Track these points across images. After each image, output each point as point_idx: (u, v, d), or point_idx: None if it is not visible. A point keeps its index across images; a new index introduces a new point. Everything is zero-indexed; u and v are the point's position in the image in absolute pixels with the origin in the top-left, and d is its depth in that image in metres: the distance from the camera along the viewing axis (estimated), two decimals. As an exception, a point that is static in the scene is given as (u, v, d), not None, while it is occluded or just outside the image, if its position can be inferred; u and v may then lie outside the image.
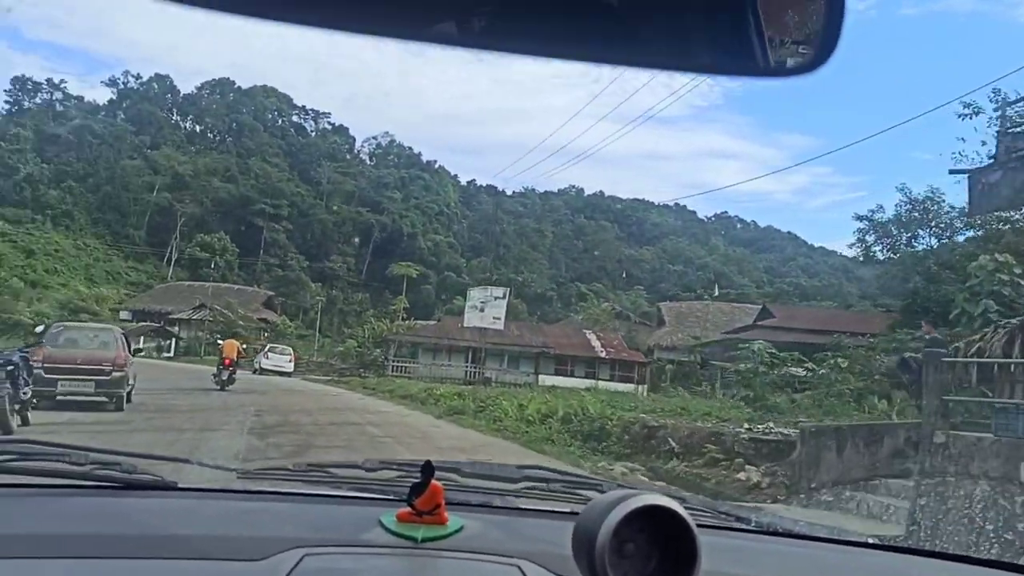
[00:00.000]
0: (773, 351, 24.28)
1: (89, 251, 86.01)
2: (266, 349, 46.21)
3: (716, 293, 76.08)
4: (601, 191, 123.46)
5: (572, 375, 45.22)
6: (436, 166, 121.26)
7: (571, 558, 1.15)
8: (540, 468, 2.04)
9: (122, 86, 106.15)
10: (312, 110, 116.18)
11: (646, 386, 41.26)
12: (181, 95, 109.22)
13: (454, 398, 26.81)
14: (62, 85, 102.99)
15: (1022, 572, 1.77)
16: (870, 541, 2.01)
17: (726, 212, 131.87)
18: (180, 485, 1.74)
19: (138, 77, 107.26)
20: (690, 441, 15.77)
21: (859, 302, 48.47)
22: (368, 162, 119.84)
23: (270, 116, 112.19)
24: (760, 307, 49.57)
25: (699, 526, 1.14)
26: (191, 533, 1.46)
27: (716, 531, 1.66)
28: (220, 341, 31.54)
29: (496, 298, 45.28)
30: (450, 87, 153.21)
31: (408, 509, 1.48)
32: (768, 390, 21.47)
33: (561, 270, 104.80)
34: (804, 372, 22.80)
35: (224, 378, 25.97)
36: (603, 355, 48.99)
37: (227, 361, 26.17)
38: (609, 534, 1.08)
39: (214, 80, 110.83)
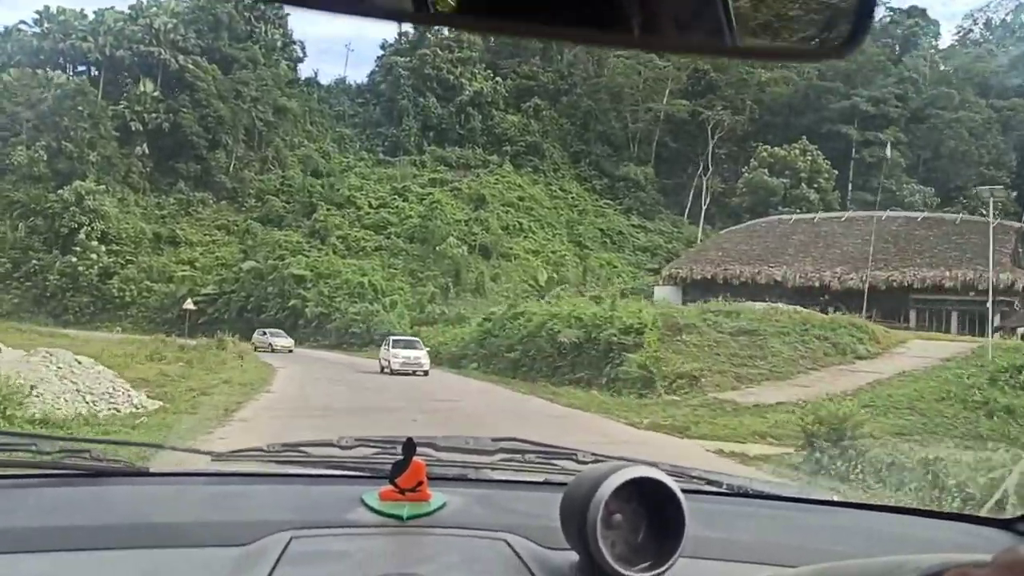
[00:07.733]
0: None
1: (570, 200, 52.83)
2: None
3: None
4: None
5: None
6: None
7: (557, 530, 1.19)
8: (513, 440, 1.92)
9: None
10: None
11: None
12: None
13: None
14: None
15: (983, 523, 1.76)
16: (835, 499, 2.02)
17: None
18: (153, 470, 1.67)
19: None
20: None
21: None
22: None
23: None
24: None
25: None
26: (170, 520, 1.41)
27: (690, 495, 1.55)
28: None
29: None
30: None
31: (391, 487, 1.45)
32: None
33: None
34: None
35: None
36: None
37: None
38: (600, 506, 1.09)
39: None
